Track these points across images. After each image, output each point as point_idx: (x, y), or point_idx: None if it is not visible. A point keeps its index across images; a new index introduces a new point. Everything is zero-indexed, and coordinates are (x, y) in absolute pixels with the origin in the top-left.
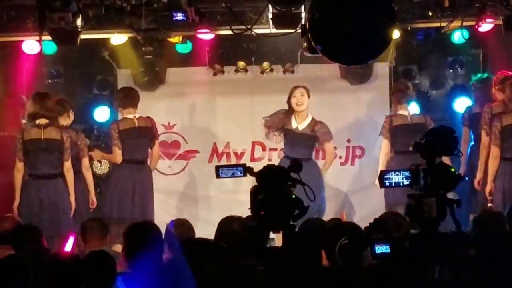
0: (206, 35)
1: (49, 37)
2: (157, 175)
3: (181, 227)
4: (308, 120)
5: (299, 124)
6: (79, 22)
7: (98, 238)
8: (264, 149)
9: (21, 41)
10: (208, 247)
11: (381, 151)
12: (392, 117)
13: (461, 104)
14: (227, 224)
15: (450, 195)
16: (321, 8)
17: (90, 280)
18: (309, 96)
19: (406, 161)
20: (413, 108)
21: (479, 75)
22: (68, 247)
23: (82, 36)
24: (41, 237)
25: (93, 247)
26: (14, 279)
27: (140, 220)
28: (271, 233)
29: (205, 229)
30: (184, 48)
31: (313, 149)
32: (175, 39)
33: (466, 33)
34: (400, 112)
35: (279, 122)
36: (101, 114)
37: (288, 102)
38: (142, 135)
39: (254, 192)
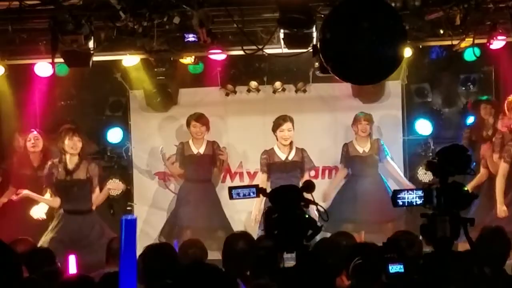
0: (218, 56)
1: (61, 60)
2: (171, 195)
3: (193, 247)
4: (294, 148)
5: (288, 154)
6: (91, 44)
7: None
8: None
9: (34, 64)
10: (215, 274)
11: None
12: (348, 146)
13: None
14: (233, 243)
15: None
16: (332, 28)
17: None
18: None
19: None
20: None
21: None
22: (72, 268)
23: (95, 58)
24: (54, 259)
25: (113, 268)
26: None
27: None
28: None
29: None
30: (196, 69)
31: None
32: (187, 60)
33: (477, 51)
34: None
35: (266, 162)
36: (114, 135)
37: (274, 131)
38: None
39: (268, 213)
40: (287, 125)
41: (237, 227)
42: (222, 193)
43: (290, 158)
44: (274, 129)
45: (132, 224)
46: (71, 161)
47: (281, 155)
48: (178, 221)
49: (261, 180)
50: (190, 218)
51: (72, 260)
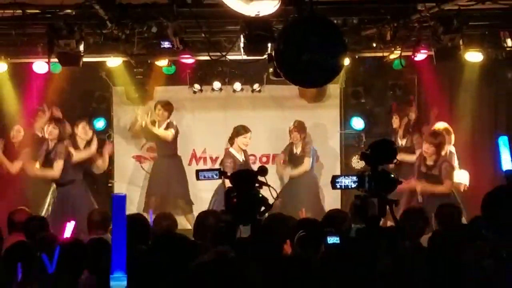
0: (187, 60)
1: (56, 60)
2: (144, 174)
3: (167, 220)
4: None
5: (241, 155)
6: (81, 47)
7: (100, 228)
8: None
9: (32, 63)
10: (184, 242)
11: None
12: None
13: None
14: (204, 218)
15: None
16: (285, 40)
17: (93, 264)
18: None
19: None
20: None
21: None
22: (68, 232)
23: (84, 59)
24: (47, 226)
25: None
26: (22, 261)
27: None
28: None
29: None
30: (169, 70)
31: None
32: (162, 62)
33: (404, 62)
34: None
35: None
36: (99, 124)
37: (235, 137)
38: None
39: (228, 192)
40: (249, 135)
41: (199, 203)
42: (190, 172)
43: (243, 159)
44: (236, 135)
45: (121, 200)
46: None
47: (238, 156)
48: (151, 191)
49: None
50: (159, 186)
51: (70, 225)
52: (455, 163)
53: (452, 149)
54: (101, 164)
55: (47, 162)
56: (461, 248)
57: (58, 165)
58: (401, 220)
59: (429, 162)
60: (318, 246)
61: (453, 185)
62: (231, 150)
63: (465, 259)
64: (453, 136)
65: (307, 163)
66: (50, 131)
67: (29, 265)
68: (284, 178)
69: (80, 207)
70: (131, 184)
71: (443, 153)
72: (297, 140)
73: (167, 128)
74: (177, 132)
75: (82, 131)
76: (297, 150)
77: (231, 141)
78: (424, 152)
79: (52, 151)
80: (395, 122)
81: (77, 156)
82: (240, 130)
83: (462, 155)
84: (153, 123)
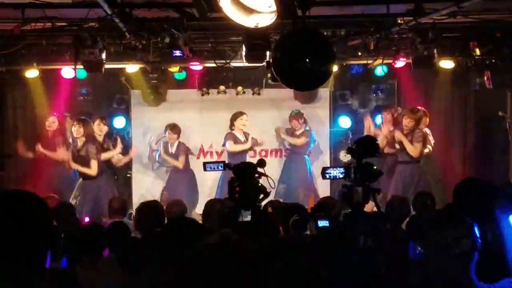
0: (196, 67)
1: (81, 66)
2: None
3: (178, 206)
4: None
5: (243, 137)
6: (104, 55)
7: (119, 213)
8: None
9: (60, 69)
10: (193, 225)
11: None
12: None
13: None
14: (211, 205)
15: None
16: (281, 49)
17: (112, 242)
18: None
19: None
20: None
21: None
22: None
23: (106, 66)
24: (74, 212)
25: (113, 219)
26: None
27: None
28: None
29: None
30: (180, 76)
31: None
32: (174, 69)
33: (385, 68)
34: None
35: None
36: (119, 122)
37: (234, 120)
38: None
39: (231, 181)
40: (245, 117)
41: (203, 190)
42: (198, 165)
43: (244, 139)
44: (234, 119)
45: None
46: (79, 141)
47: (240, 137)
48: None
49: (230, 145)
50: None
51: (86, 219)
52: (432, 141)
53: (427, 130)
54: (124, 161)
55: (79, 159)
56: (433, 231)
57: (94, 164)
58: (387, 208)
59: (406, 131)
60: (305, 228)
61: (422, 150)
62: (233, 132)
63: (441, 240)
64: (427, 119)
65: (302, 140)
66: (76, 131)
67: (57, 248)
68: (284, 143)
69: (103, 196)
70: (146, 175)
71: (420, 127)
72: (298, 126)
73: (177, 149)
74: (187, 152)
75: (97, 128)
76: (298, 132)
77: (231, 126)
78: (405, 126)
79: (81, 149)
80: (387, 117)
81: (104, 156)
82: (237, 114)
83: (436, 146)
84: (166, 151)
